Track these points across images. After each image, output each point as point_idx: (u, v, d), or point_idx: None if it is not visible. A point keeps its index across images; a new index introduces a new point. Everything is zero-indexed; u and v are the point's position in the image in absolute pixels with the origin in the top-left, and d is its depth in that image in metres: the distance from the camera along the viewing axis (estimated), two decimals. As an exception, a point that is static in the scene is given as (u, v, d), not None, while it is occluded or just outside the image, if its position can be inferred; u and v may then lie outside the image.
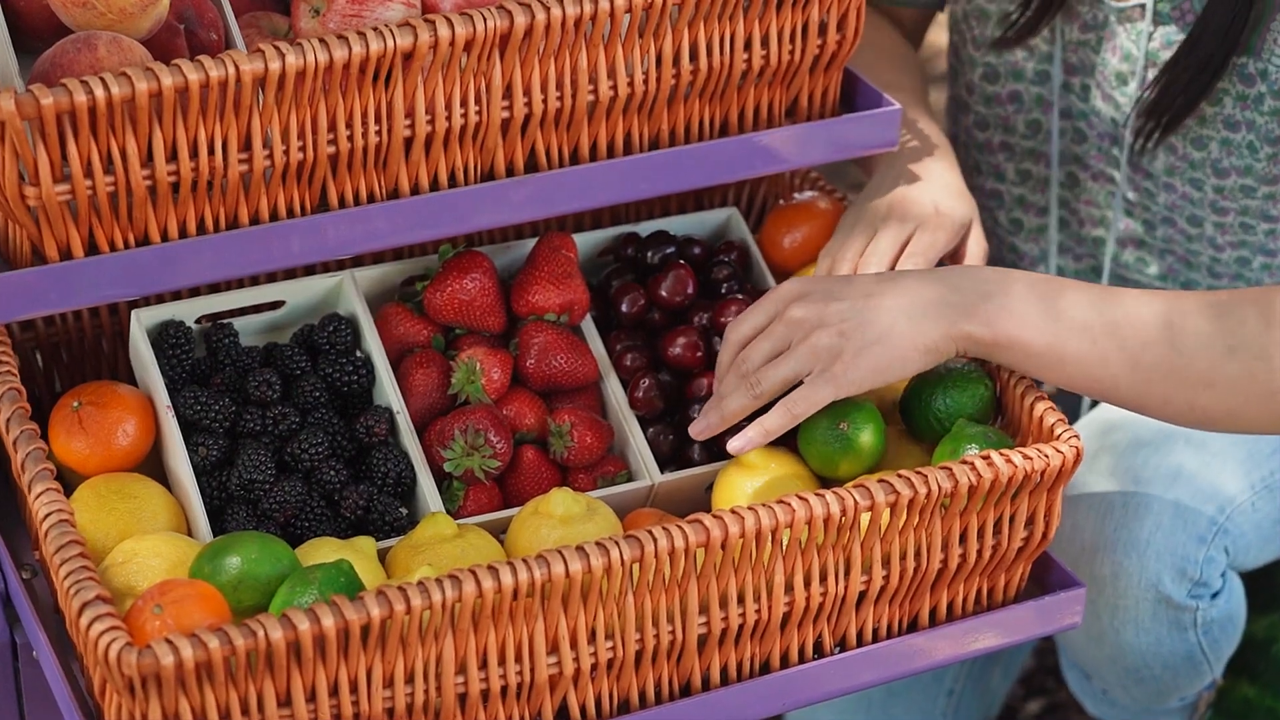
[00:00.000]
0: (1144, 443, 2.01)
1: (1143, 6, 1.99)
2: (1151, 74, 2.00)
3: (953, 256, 1.92)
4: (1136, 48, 2.00)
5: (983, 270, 1.72)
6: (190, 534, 1.72)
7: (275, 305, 1.85)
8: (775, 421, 1.69)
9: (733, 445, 1.71)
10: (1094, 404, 2.23)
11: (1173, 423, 1.71)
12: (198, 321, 1.82)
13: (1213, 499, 1.98)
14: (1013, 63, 2.13)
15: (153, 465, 1.79)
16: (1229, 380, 1.66)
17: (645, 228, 1.97)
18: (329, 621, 1.48)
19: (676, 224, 1.98)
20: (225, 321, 1.82)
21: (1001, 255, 2.25)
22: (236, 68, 1.57)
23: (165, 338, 1.78)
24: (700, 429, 1.74)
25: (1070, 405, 2.29)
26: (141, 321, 1.79)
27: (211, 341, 1.81)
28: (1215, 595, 2.00)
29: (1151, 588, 1.97)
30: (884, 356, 1.68)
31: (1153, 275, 2.13)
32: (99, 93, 1.53)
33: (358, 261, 1.92)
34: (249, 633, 1.47)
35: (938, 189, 1.91)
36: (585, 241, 1.95)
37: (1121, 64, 2.03)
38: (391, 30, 1.62)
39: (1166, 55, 1.99)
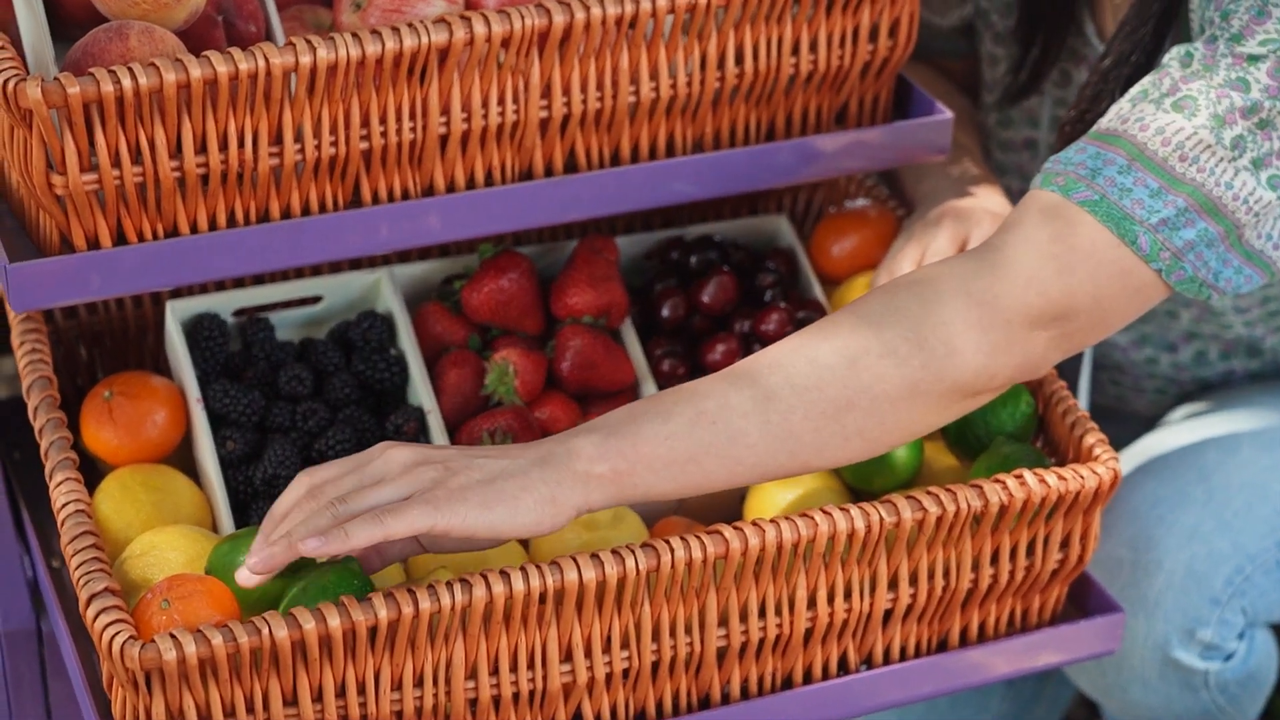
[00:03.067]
0: (1159, 499, 1.93)
1: None
2: None
3: None
4: None
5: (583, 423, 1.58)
6: (215, 527, 1.72)
7: (314, 300, 1.84)
8: (361, 530, 1.46)
9: (307, 546, 1.46)
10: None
11: (843, 463, 1.58)
12: (235, 314, 1.82)
13: (1230, 559, 1.89)
14: (1027, 109, 2.05)
15: (185, 457, 1.78)
16: (865, 390, 1.56)
17: (692, 232, 1.94)
18: (335, 622, 1.47)
19: (726, 229, 1.95)
20: (261, 316, 1.81)
21: None
22: (266, 61, 1.56)
23: (199, 330, 1.78)
24: (257, 562, 1.48)
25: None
26: (176, 313, 1.78)
27: (247, 335, 1.80)
28: (1230, 656, 1.90)
29: (1158, 649, 1.88)
30: (492, 496, 1.48)
31: (1185, 325, 2.06)
32: (126, 83, 1.52)
33: (403, 257, 1.90)
34: (254, 630, 1.46)
35: (987, 201, 1.86)
36: (631, 244, 1.93)
37: None
38: (426, 26, 1.60)
39: None
